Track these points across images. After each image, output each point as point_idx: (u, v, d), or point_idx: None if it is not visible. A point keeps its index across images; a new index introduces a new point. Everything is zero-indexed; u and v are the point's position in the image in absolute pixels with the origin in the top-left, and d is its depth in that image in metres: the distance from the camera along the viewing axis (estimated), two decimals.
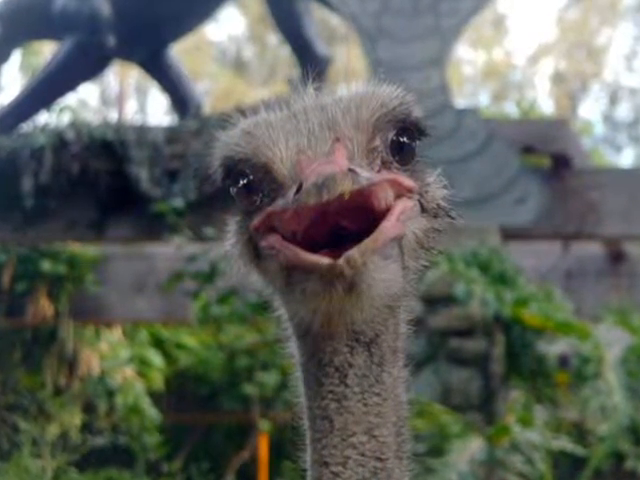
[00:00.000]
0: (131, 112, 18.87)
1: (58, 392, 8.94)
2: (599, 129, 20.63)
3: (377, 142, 0.97)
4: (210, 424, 9.68)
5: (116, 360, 9.13)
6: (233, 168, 1.00)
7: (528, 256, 7.55)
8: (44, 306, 8.65)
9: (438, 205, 1.01)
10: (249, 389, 7.49)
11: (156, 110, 21.33)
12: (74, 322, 8.84)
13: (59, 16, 8.25)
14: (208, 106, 12.20)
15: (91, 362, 9.05)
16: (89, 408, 9.01)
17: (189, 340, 9.67)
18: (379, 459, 0.95)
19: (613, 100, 21.30)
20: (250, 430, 8.39)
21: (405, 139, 1.00)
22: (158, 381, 9.33)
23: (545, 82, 22.66)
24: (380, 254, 0.88)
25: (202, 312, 7.11)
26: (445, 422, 5.82)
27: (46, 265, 8.50)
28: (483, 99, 20.97)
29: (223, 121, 1.03)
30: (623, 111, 21.52)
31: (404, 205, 0.92)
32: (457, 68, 18.37)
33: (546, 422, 6.08)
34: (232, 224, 1.02)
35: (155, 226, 7.27)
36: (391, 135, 0.99)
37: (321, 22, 12.89)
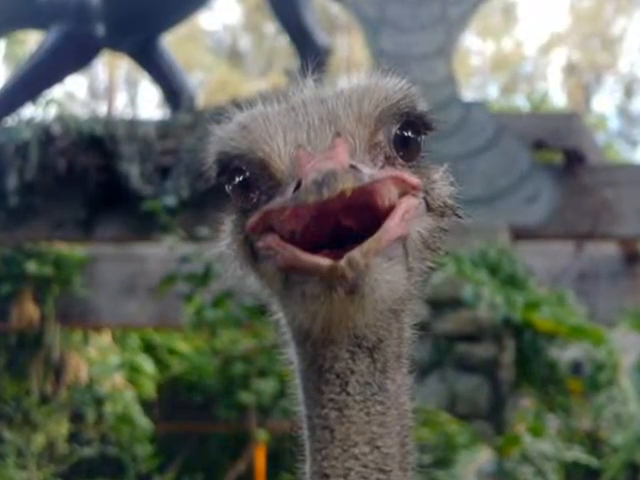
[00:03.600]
0: (121, 105, 18.91)
1: (44, 400, 8.95)
2: (614, 123, 20.68)
3: (380, 137, 0.97)
4: (204, 434, 9.69)
5: (105, 366, 9.14)
6: (228, 164, 1.00)
7: (539, 257, 7.56)
8: (29, 309, 8.65)
9: (444, 203, 1.00)
10: (245, 397, 7.48)
11: (147, 103, 21.37)
12: (61, 326, 8.84)
13: (46, 4, 8.26)
14: (202, 99, 12.21)
15: (79, 368, 9.06)
16: (77, 417, 9.02)
17: (182, 345, 9.68)
18: (382, 471, 0.94)
19: (628, 93, 21.33)
20: (246, 440, 8.38)
21: (410, 134, 1.00)
22: (149, 388, 9.34)
23: (557, 74, 22.71)
24: (383, 255, 0.88)
25: (196, 316, 7.11)
26: (452, 432, 5.83)
27: (32, 266, 8.50)
28: (492, 92, 21.00)
29: (218, 115, 1.03)
30: (639, 104, 21.56)
31: (409, 203, 0.91)
32: (464, 59, 18.38)
33: (558, 432, 6.10)
34: (227, 223, 1.02)
35: (146, 225, 7.27)
36: (395, 129, 0.99)
37: (321, 10, 12.90)
